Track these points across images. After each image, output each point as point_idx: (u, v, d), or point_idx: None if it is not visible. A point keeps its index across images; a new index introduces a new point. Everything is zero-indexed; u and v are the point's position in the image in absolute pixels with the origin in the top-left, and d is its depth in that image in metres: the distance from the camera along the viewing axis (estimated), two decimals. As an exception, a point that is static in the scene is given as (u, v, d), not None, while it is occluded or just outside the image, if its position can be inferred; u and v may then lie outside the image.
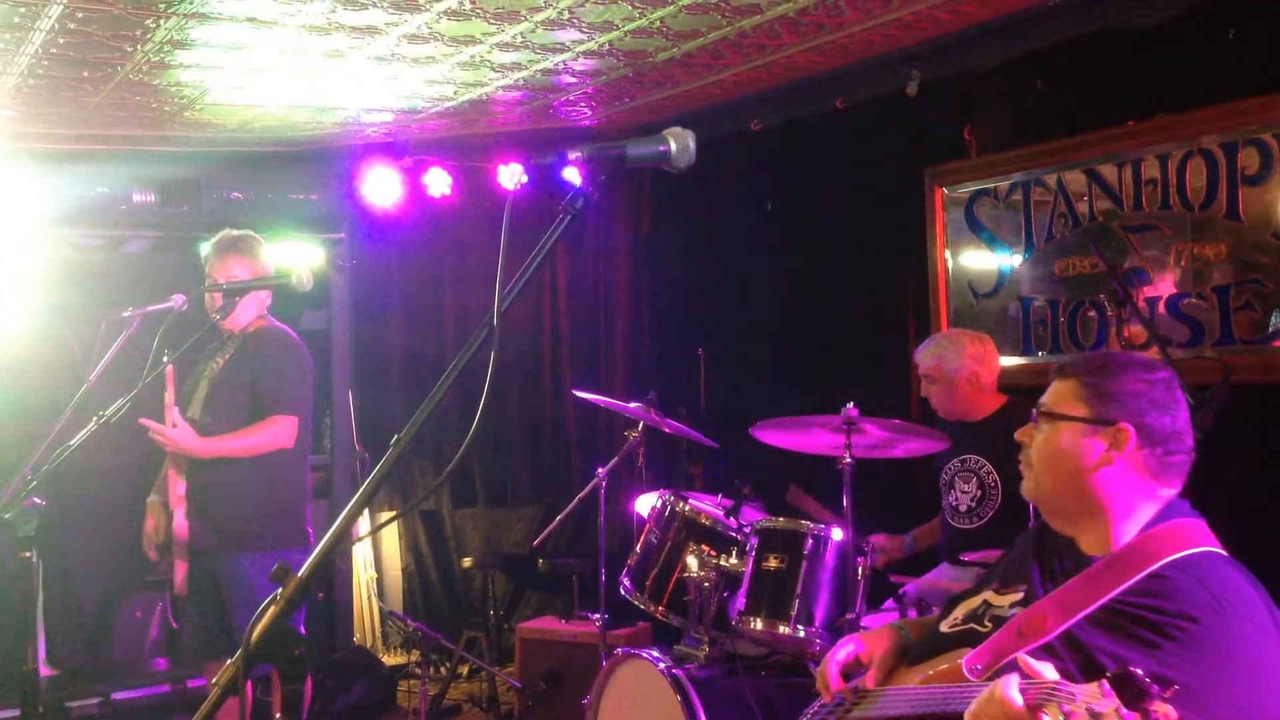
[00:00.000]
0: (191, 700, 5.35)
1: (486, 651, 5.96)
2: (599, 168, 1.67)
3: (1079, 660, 1.97)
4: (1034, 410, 2.29)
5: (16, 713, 4.68)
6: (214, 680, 1.36)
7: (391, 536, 7.00)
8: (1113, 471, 2.14)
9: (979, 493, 4.16)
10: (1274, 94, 3.88)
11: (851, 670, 2.48)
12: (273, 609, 1.39)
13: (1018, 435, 2.32)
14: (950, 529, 4.26)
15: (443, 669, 6.26)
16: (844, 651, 2.48)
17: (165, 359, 3.46)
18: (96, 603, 5.62)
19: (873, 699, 2.36)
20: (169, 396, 3.96)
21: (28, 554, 2.90)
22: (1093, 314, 4.51)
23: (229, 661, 1.37)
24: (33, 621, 3.01)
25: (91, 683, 5.29)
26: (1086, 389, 2.19)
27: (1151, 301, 4.27)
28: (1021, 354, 4.75)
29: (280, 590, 1.38)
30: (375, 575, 6.91)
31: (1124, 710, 1.59)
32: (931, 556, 4.41)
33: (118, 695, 5.24)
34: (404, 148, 6.39)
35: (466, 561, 6.54)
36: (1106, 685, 1.62)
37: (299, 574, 1.40)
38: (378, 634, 6.83)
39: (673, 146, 1.73)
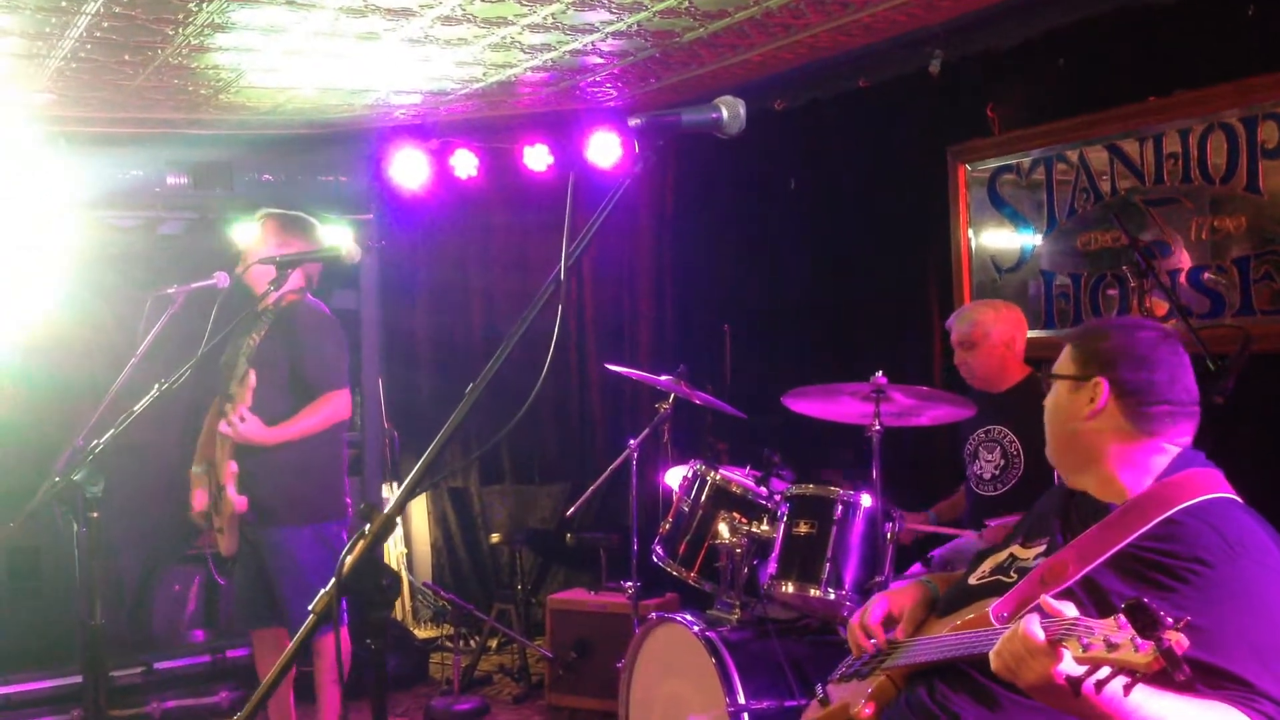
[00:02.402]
0: (231, 670, 5.44)
1: (516, 624, 6.06)
2: (656, 134, 1.77)
3: (1097, 603, 2.05)
4: None
5: (75, 680, 4.85)
6: (310, 607, 1.46)
7: (420, 513, 7.11)
8: (1095, 423, 2.28)
9: (1002, 461, 4.23)
10: (1293, 69, 3.95)
11: (883, 627, 2.57)
12: (360, 543, 1.50)
13: (1045, 401, 2.46)
14: (975, 496, 4.33)
15: (473, 641, 6.37)
16: (876, 610, 2.56)
17: (211, 344, 3.53)
18: (137, 576, 5.73)
19: (904, 649, 2.45)
20: (245, 394, 4.05)
21: (94, 514, 3.01)
22: (1113, 291, 4.57)
23: (323, 591, 1.47)
24: (95, 581, 3.10)
25: (133, 653, 5.39)
26: (1076, 350, 2.38)
27: (1173, 274, 4.32)
28: (1044, 328, 4.80)
29: (368, 526, 1.49)
30: (405, 551, 7.02)
31: (1139, 639, 1.68)
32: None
33: (160, 664, 5.34)
34: (431, 129, 6.46)
35: (495, 537, 6.60)
36: (1122, 618, 1.72)
37: (385, 511, 1.50)
38: (408, 608, 6.94)
39: (725, 113, 1.83)
